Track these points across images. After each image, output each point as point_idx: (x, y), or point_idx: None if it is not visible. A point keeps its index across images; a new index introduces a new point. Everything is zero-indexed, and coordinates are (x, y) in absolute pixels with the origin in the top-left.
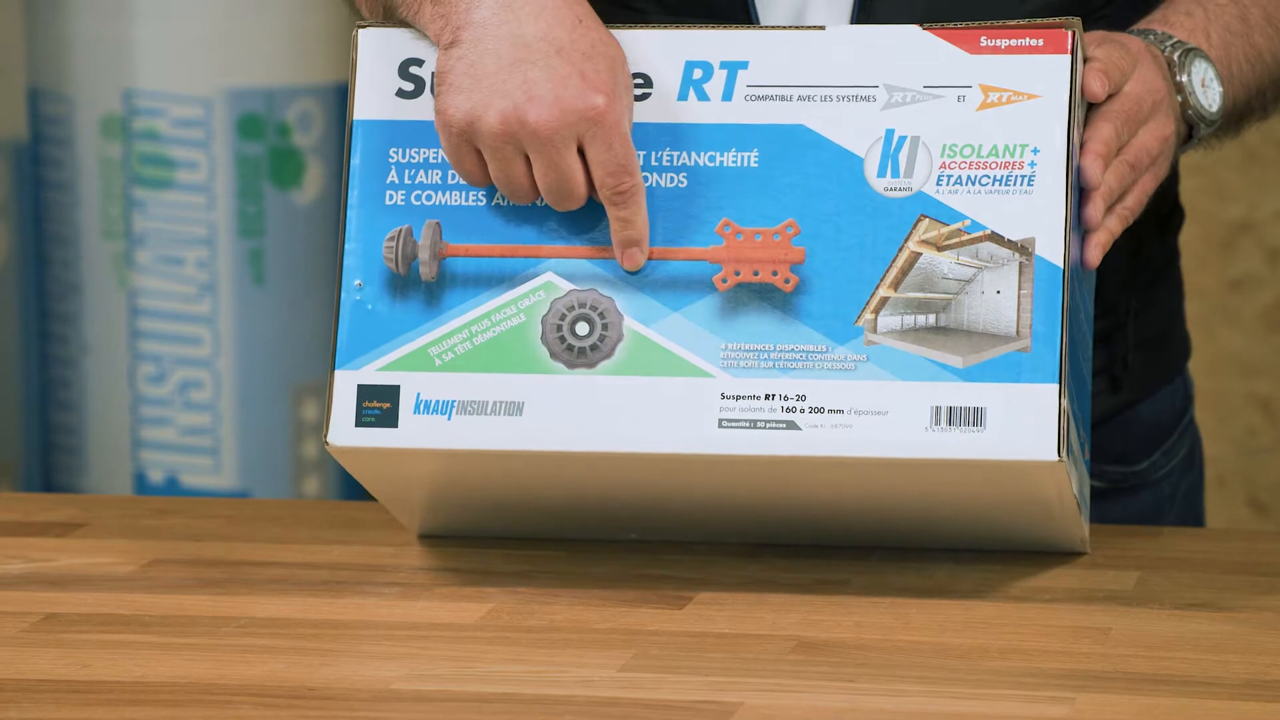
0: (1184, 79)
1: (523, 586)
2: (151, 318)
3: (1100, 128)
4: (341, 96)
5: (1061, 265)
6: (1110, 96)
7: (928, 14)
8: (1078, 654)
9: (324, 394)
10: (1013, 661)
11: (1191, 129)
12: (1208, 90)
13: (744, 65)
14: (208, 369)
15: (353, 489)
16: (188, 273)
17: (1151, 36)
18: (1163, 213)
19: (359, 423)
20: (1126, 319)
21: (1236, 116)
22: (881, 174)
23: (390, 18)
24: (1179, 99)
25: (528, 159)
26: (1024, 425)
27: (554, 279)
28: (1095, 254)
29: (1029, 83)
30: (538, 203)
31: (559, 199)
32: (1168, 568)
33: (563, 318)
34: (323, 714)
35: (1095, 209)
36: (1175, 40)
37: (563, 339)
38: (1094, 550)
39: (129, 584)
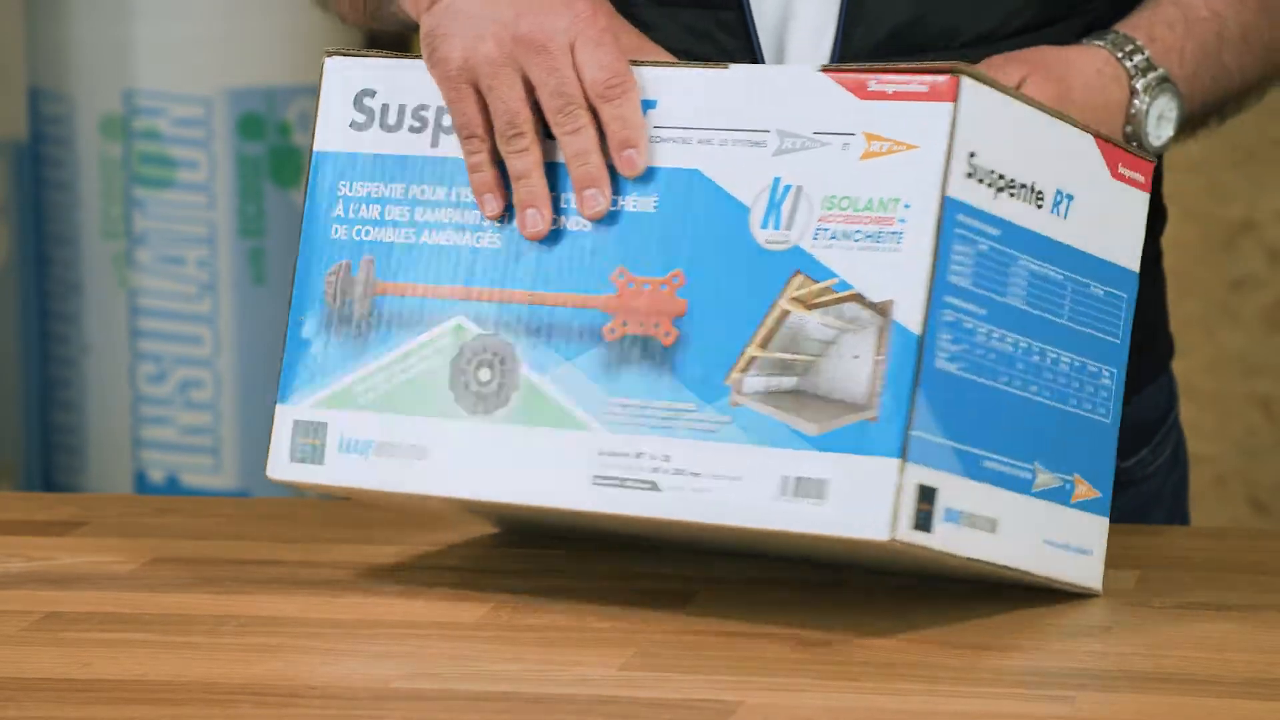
0: (1142, 106)
1: (523, 586)
2: (152, 317)
3: None
4: None
5: (918, 331)
6: None
7: (912, 10)
8: (1078, 653)
9: None
10: (1013, 660)
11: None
12: (1162, 124)
13: (653, 104)
14: (208, 368)
15: None
16: (188, 272)
17: (1124, 55)
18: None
19: (293, 457)
20: None
21: (1189, 130)
22: (765, 225)
23: (368, 7)
24: (1127, 129)
25: (527, 84)
26: (860, 500)
27: (464, 322)
28: None
29: (910, 132)
30: (519, 151)
31: (560, 105)
32: (1168, 567)
33: (469, 362)
34: (323, 713)
35: None
36: (1148, 64)
37: (466, 385)
38: None
39: (129, 583)
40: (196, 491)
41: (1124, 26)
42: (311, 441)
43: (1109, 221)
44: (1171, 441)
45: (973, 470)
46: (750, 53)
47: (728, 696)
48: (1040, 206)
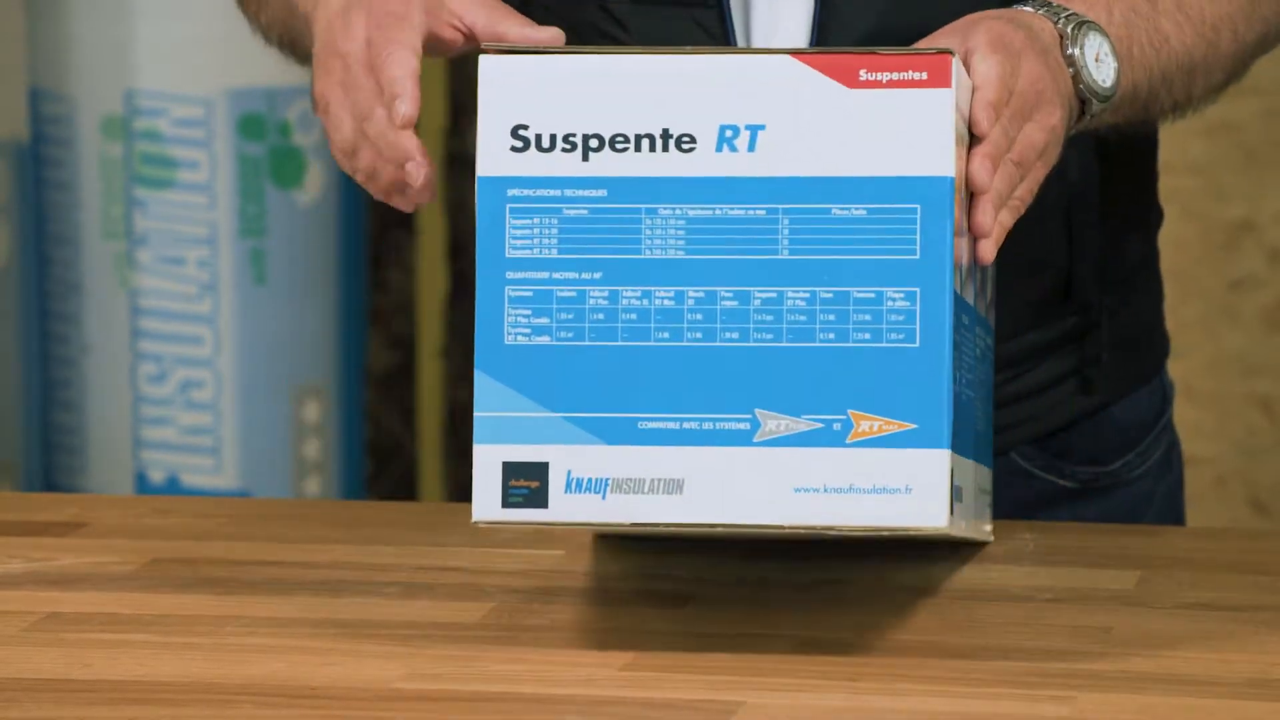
0: (1075, 52)
1: (523, 586)
2: (152, 317)
3: (988, 128)
4: None
5: (479, 312)
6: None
7: (883, 14)
8: (1078, 653)
9: (323, 394)
10: (1013, 661)
11: (1084, 104)
12: (1101, 65)
13: None
14: (209, 369)
15: (353, 489)
16: (189, 272)
17: (1045, 9)
18: (1139, 211)
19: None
20: (1101, 318)
21: (1141, 103)
22: None
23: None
24: (1070, 72)
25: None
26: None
27: None
28: (989, 251)
29: None
30: None
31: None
32: (1168, 567)
33: None
34: (323, 714)
35: (985, 215)
36: (1070, 13)
37: None
38: (1094, 550)
39: (130, 583)
40: (197, 492)
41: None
42: None
43: (864, 134)
44: (1163, 445)
45: (619, 435)
46: None
47: (728, 696)
48: (690, 150)
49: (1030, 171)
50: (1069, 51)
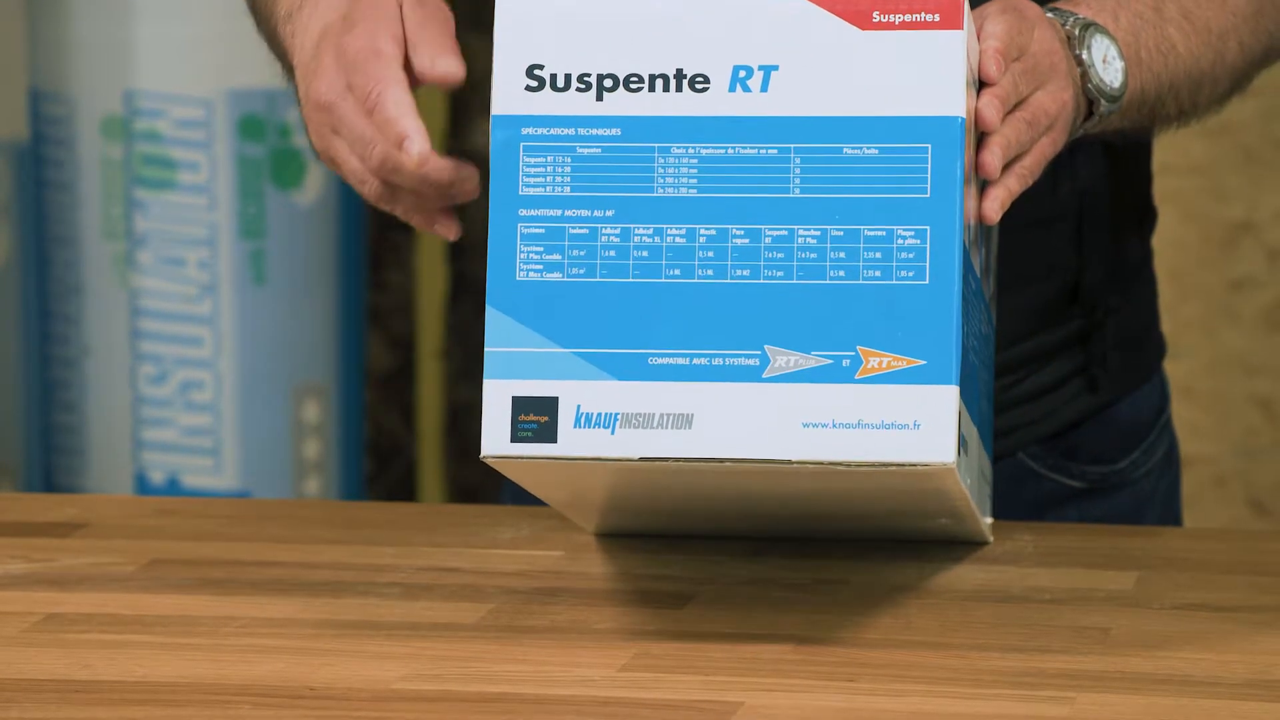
0: (1083, 54)
1: (523, 586)
2: (152, 318)
3: (997, 75)
4: None
5: (489, 248)
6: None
7: None
8: (1078, 654)
9: (323, 394)
10: (1013, 661)
11: (1092, 105)
12: (1109, 66)
13: None
14: (209, 369)
15: (353, 489)
16: (189, 273)
17: (1053, 13)
18: (1140, 212)
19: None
20: (1106, 318)
21: (1148, 109)
22: None
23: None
24: (1078, 71)
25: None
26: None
27: None
28: (994, 209)
29: None
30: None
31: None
32: (1167, 568)
33: None
34: (323, 714)
35: (993, 157)
36: (1076, 17)
37: None
38: (1093, 551)
39: (130, 584)
40: (197, 492)
41: (1049, 6)
42: None
43: (876, 75)
44: (1164, 443)
45: (630, 371)
46: None
47: (728, 696)
48: (703, 90)
49: (1039, 140)
50: (1076, 53)
